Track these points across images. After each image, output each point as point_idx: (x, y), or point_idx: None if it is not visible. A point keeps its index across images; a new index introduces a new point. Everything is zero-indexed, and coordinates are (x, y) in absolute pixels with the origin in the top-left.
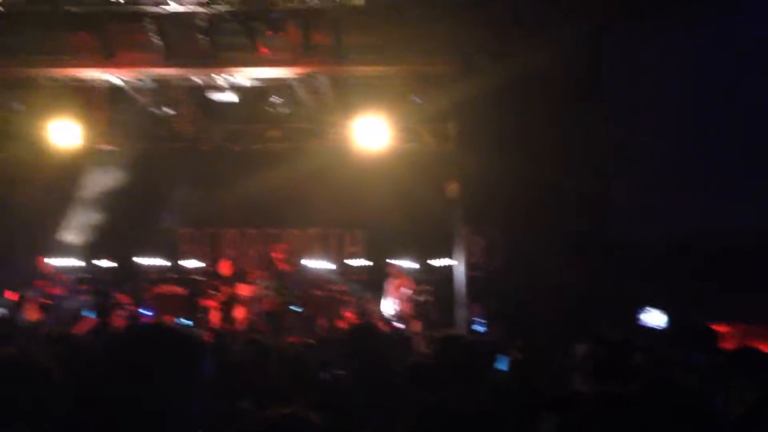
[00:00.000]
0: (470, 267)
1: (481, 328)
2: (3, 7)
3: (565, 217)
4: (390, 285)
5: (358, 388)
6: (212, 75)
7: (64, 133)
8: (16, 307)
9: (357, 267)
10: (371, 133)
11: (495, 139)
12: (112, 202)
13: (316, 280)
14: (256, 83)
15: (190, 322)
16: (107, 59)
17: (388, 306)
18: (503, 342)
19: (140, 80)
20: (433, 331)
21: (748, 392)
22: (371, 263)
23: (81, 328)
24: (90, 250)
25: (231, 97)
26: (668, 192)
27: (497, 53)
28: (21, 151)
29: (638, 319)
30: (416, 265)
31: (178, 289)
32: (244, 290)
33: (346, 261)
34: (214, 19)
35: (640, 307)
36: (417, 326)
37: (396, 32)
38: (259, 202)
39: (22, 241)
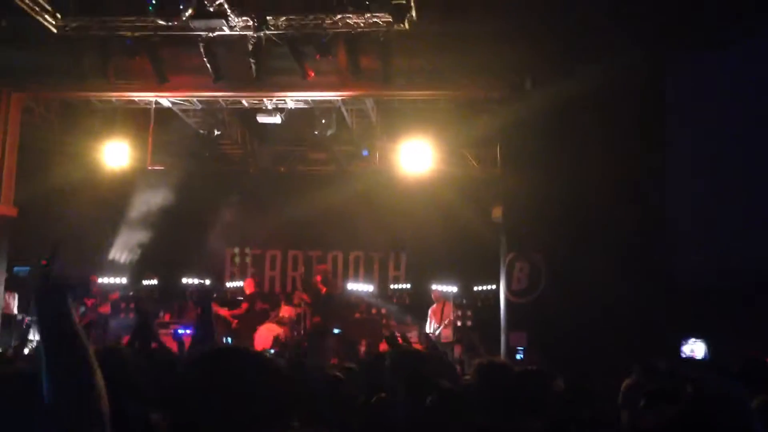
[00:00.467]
0: (513, 293)
1: (520, 356)
2: (60, 31)
3: (612, 243)
4: (432, 309)
5: (404, 412)
6: (259, 98)
7: (115, 153)
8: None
9: (399, 290)
10: (416, 156)
11: (541, 164)
12: (160, 222)
13: (358, 303)
14: (302, 106)
15: (230, 341)
16: (160, 83)
17: (430, 330)
18: (546, 370)
19: (189, 102)
20: (475, 357)
21: None
22: (414, 287)
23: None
24: (137, 269)
25: (275, 119)
26: (720, 221)
27: (544, 79)
28: (73, 170)
29: (681, 350)
30: (459, 290)
31: (223, 309)
32: (286, 311)
33: (388, 284)
34: (263, 43)
35: (684, 337)
36: (458, 351)
37: (443, 57)
38: (303, 224)
39: (72, 258)
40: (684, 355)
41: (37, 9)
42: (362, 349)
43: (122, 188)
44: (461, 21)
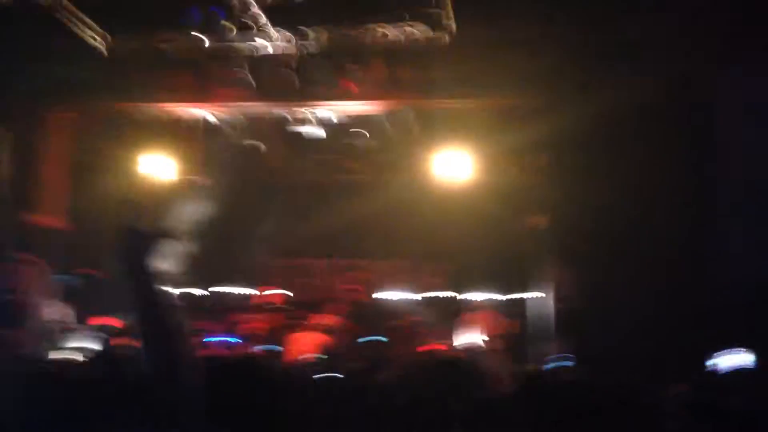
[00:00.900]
0: (555, 301)
1: (564, 363)
2: (107, 48)
3: (657, 254)
4: (472, 318)
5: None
6: (300, 109)
7: (158, 166)
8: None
9: (438, 299)
10: (455, 164)
11: (584, 173)
12: (203, 233)
13: (397, 310)
14: (343, 118)
15: (278, 348)
16: (202, 96)
17: (470, 338)
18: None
19: (232, 116)
20: (517, 366)
21: None
22: (453, 295)
23: None
24: (181, 279)
25: (318, 131)
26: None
27: (588, 87)
28: (119, 183)
29: (717, 363)
30: (499, 298)
31: (266, 319)
32: (327, 320)
33: (427, 292)
34: (302, 57)
35: (722, 349)
36: (498, 360)
37: (483, 66)
38: (342, 233)
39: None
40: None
41: (85, 28)
42: (401, 356)
43: (166, 200)
44: (502, 29)
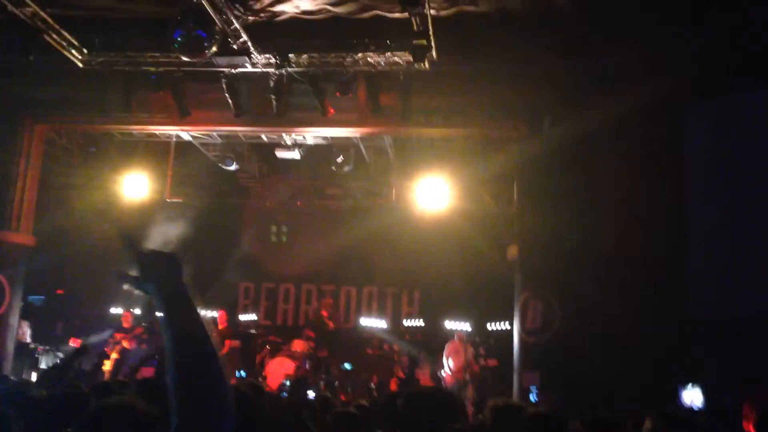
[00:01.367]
0: (527, 332)
1: (533, 397)
2: (86, 65)
3: (628, 282)
4: (454, 348)
5: None
6: (279, 132)
7: (134, 185)
8: (75, 354)
9: (412, 327)
10: (432, 193)
11: (556, 203)
12: (177, 254)
13: (370, 338)
14: (321, 142)
15: (243, 374)
16: (181, 117)
17: (444, 368)
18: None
19: (210, 136)
20: (488, 397)
21: None
22: (427, 323)
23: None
24: (151, 300)
25: (294, 154)
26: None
27: (562, 119)
28: (93, 201)
29: (679, 397)
30: (473, 328)
31: (235, 342)
32: (298, 345)
33: (401, 320)
34: (284, 80)
35: (682, 384)
36: (470, 390)
37: (461, 96)
38: (318, 259)
39: (91, 288)
40: (682, 402)
41: (64, 44)
42: (373, 385)
43: (141, 219)
44: (479, 61)
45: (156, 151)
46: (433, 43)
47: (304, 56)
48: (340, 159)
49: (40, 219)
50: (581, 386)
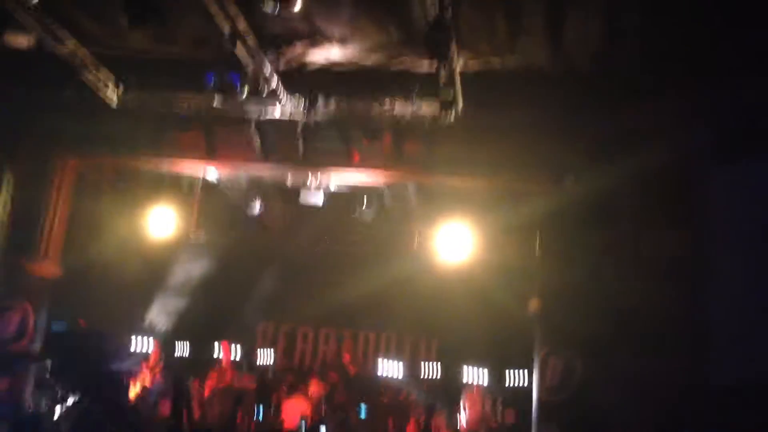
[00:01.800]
0: (545, 390)
1: None
2: (120, 104)
3: (649, 343)
4: (471, 400)
5: None
6: (304, 176)
7: (160, 222)
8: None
9: (430, 376)
10: (454, 241)
11: (579, 258)
12: (198, 291)
13: (387, 385)
14: (344, 189)
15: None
16: (209, 157)
17: (461, 419)
18: None
19: (234, 178)
20: None
21: None
22: (445, 373)
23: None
24: (172, 335)
25: (317, 199)
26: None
27: (585, 174)
28: (119, 236)
29: None
30: (491, 379)
31: (251, 383)
32: (315, 388)
33: (419, 369)
34: (312, 125)
35: None
36: None
37: (485, 148)
38: (337, 302)
39: (113, 321)
40: None
41: (100, 83)
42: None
43: (165, 256)
44: (504, 115)
45: (183, 190)
46: (459, 97)
47: (332, 103)
48: (363, 204)
49: (68, 251)
50: None
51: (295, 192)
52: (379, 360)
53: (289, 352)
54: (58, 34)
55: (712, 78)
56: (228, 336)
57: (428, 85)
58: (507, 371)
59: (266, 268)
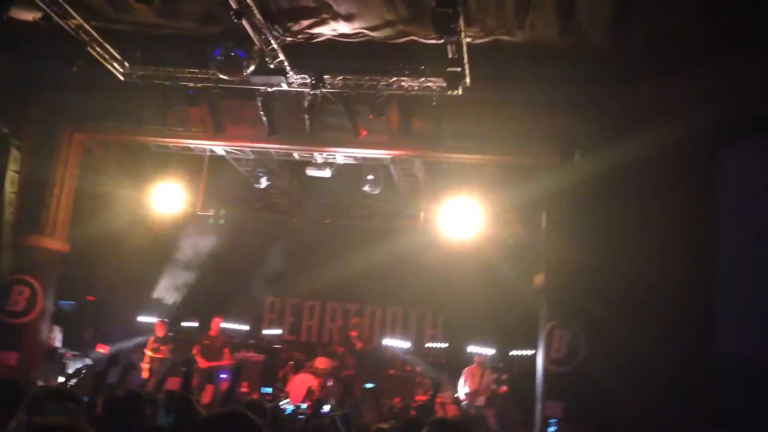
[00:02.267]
0: (551, 362)
1: (552, 428)
2: (127, 78)
3: (656, 315)
4: (470, 371)
5: None
6: (310, 151)
7: (167, 197)
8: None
9: (435, 349)
10: (460, 217)
11: (585, 233)
12: (205, 266)
13: (393, 359)
14: (352, 162)
15: (269, 390)
16: (216, 132)
17: (464, 391)
18: None
19: (242, 152)
20: (509, 423)
21: None
22: (450, 346)
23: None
24: (179, 311)
25: (325, 173)
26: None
27: (593, 150)
28: (127, 211)
29: None
30: (496, 353)
31: (258, 357)
32: (321, 363)
33: (424, 342)
34: (318, 100)
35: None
36: (490, 415)
37: (493, 123)
38: (344, 277)
39: (121, 296)
40: None
41: (107, 57)
42: (394, 405)
43: (172, 231)
44: (513, 89)
45: (189, 164)
46: (467, 71)
47: (339, 78)
48: (370, 177)
49: (75, 226)
50: (604, 420)
51: (302, 166)
52: (386, 334)
53: (296, 327)
54: (65, 8)
55: (723, 56)
56: (233, 312)
57: (436, 58)
58: (511, 344)
59: (273, 243)
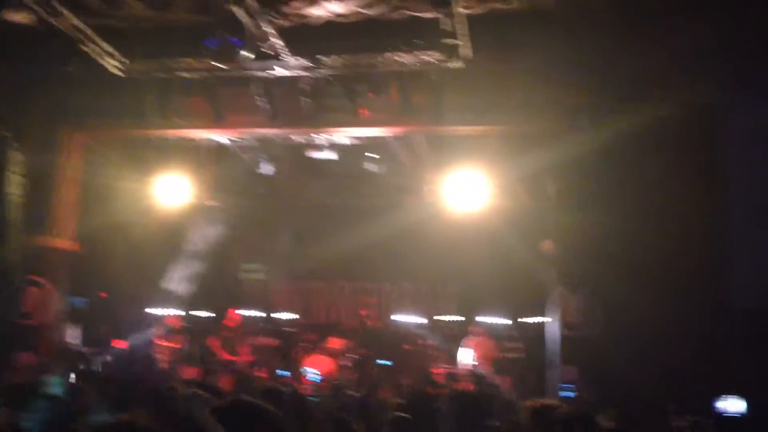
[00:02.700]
0: (566, 326)
1: (570, 393)
2: (124, 74)
3: (668, 280)
4: (475, 343)
5: None
6: (314, 134)
7: (171, 189)
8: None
9: (448, 322)
10: (466, 189)
11: (594, 200)
12: (213, 255)
13: (406, 334)
14: (355, 142)
15: (287, 373)
16: (217, 121)
17: (468, 362)
18: (596, 408)
19: (245, 139)
20: (524, 393)
21: None
22: (463, 319)
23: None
24: (190, 301)
25: (330, 155)
26: None
27: (600, 117)
28: (131, 205)
29: (715, 407)
30: (508, 322)
31: (272, 341)
32: (334, 343)
33: (437, 316)
34: (317, 83)
35: (728, 392)
36: (507, 383)
37: (496, 93)
38: (353, 256)
39: (130, 291)
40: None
41: (102, 54)
42: (410, 381)
43: (179, 223)
44: (515, 58)
45: (192, 156)
46: (467, 42)
47: (336, 58)
48: (373, 156)
49: (81, 224)
50: (618, 381)
51: (305, 150)
52: (397, 310)
53: (307, 308)
54: (57, 9)
55: (726, 20)
56: (244, 299)
57: (433, 32)
58: (522, 313)
59: (281, 227)
